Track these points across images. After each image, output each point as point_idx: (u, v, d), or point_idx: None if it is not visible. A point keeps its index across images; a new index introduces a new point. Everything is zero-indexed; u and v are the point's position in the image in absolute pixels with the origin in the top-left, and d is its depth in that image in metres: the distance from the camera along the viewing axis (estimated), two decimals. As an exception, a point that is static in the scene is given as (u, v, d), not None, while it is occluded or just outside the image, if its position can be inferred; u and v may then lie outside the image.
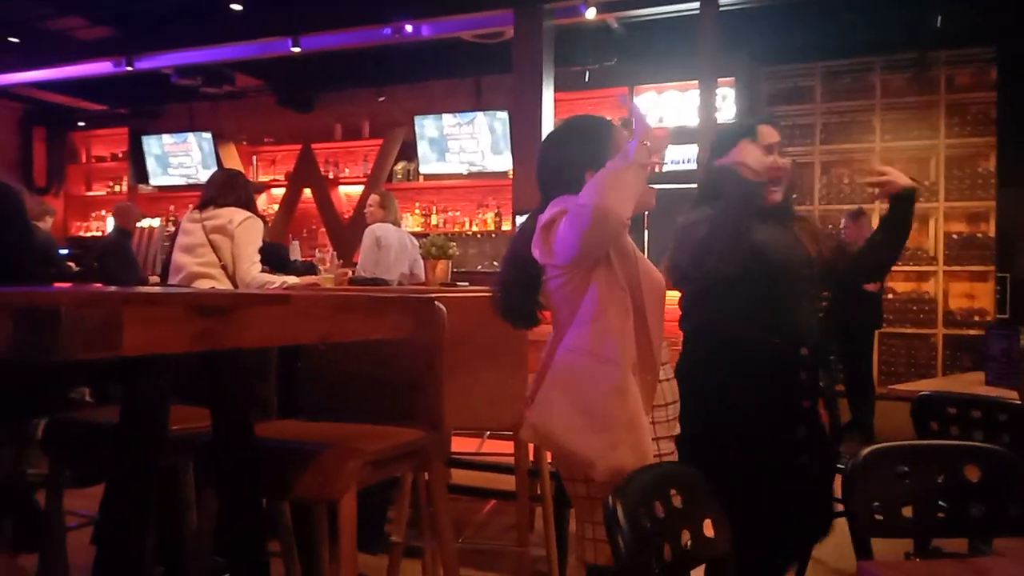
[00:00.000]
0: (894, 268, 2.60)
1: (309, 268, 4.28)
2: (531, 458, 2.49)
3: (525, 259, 1.61)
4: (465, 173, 7.51)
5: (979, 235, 5.90)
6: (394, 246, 4.84)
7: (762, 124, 2.04)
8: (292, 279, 3.68)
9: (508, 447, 2.43)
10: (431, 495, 1.83)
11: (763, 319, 1.95)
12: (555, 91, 5.70)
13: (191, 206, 3.50)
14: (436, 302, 1.74)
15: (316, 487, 1.51)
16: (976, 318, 5.86)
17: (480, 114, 7.34)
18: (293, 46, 6.26)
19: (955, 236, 5.99)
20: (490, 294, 1.75)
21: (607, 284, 1.55)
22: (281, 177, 8.46)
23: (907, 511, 1.67)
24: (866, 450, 1.66)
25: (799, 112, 6.34)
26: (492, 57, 6.53)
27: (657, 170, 1.61)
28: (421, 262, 4.71)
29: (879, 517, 1.63)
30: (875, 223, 5.69)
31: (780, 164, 1.99)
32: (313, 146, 8.17)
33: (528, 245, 1.60)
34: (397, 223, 5.02)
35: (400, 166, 7.89)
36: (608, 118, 1.75)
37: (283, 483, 1.55)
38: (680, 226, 2.00)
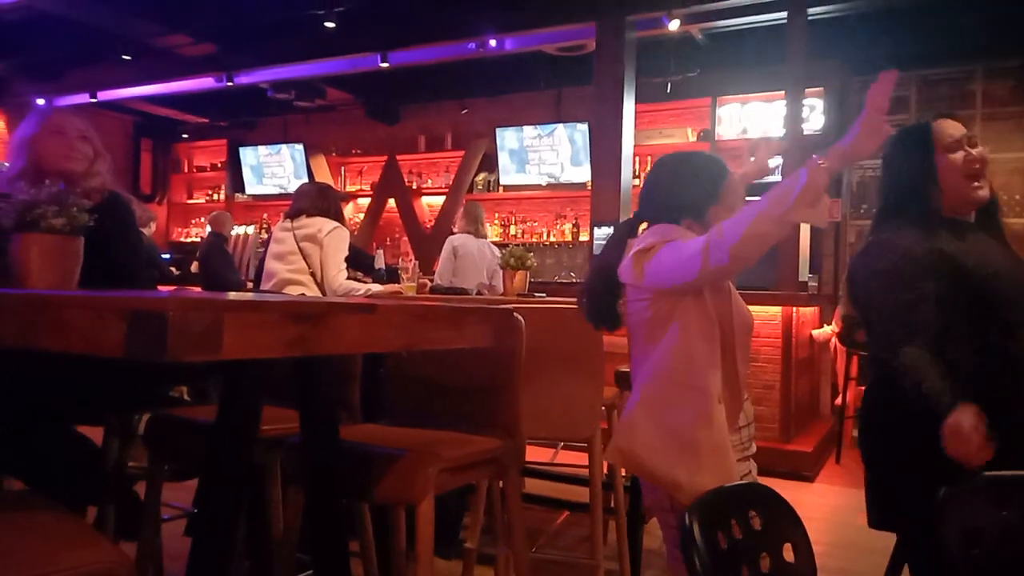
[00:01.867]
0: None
1: (393, 274, 4.40)
2: (605, 470, 2.48)
3: (612, 269, 1.63)
4: (544, 184, 7.55)
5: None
6: (473, 256, 4.90)
7: (940, 119, 1.83)
8: (376, 287, 3.80)
9: (582, 458, 2.42)
10: (506, 503, 1.85)
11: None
12: (636, 102, 5.66)
13: (283, 215, 3.66)
14: (514, 313, 1.77)
15: (395, 490, 1.56)
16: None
17: (560, 126, 7.37)
18: (382, 61, 6.45)
19: (1064, 254, 5.63)
20: (576, 295, 1.77)
21: (696, 314, 1.55)
22: (368, 187, 8.71)
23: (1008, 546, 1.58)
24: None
25: (892, 123, 6.02)
26: (573, 69, 6.55)
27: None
28: (500, 272, 4.76)
29: (975, 551, 1.55)
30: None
31: (977, 156, 1.78)
32: (398, 157, 8.37)
33: (615, 256, 1.62)
34: (478, 234, 5.07)
35: (481, 177, 7.99)
36: (724, 162, 1.72)
37: (364, 485, 1.60)
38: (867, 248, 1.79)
